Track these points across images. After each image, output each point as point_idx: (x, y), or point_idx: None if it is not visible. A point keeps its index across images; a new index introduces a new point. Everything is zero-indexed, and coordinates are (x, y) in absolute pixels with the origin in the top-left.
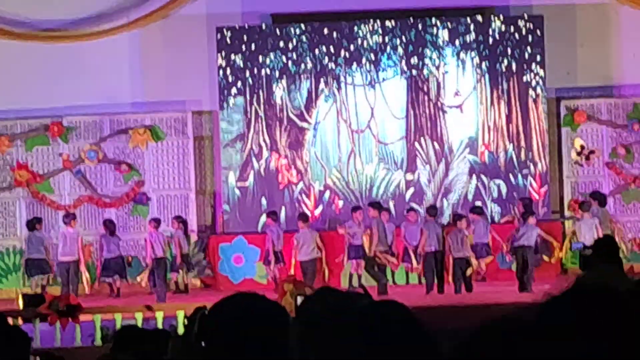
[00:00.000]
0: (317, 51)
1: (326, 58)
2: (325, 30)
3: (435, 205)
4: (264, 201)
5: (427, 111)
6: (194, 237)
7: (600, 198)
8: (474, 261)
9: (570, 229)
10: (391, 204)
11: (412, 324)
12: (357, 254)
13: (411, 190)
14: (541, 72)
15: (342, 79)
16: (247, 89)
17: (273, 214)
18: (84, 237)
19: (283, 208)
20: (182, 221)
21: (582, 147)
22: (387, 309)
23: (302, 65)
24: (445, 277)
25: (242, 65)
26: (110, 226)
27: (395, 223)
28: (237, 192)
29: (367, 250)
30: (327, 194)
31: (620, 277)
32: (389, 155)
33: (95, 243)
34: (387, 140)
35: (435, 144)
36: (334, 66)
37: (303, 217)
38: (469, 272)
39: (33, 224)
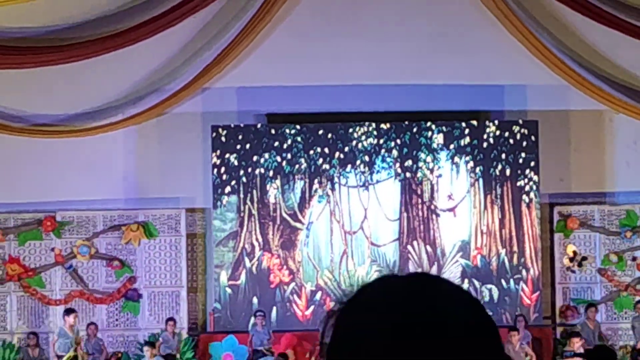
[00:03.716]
0: (311, 152)
1: (320, 159)
2: (320, 131)
3: None
4: (255, 300)
5: (421, 214)
6: (184, 335)
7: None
8: None
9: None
10: None
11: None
12: None
13: None
14: (535, 178)
15: (336, 180)
16: (241, 188)
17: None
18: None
19: (274, 308)
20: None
21: (575, 253)
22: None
23: (297, 166)
24: None
25: (236, 164)
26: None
27: None
28: (229, 290)
29: None
30: (318, 295)
31: None
32: (382, 257)
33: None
34: (380, 242)
35: (428, 247)
36: (328, 167)
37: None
38: None
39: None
